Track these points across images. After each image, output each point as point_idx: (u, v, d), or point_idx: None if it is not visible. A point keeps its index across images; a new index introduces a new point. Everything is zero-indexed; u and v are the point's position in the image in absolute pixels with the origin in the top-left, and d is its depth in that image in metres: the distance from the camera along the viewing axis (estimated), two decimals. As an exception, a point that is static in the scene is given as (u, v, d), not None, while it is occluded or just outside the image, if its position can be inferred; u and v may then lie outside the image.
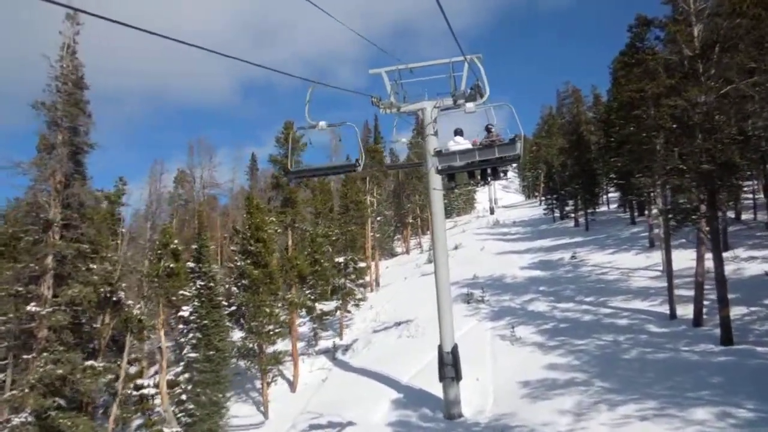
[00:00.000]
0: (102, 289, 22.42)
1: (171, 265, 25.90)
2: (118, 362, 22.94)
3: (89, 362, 20.19)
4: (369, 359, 32.97)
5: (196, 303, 26.84)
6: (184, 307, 27.99)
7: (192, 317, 26.90)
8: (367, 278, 51.70)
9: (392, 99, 22.81)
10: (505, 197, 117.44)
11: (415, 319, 35.65)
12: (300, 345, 41.04)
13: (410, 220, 73.72)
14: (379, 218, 62.51)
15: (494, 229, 70.48)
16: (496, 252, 52.30)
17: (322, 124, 10.66)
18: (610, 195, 64.40)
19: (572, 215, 60.06)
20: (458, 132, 13.16)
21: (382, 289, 52.27)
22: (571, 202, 61.38)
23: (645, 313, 27.18)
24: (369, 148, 60.58)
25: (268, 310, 28.77)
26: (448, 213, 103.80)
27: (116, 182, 26.02)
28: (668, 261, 26.48)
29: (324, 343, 40.17)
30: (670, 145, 26.43)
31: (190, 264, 28.48)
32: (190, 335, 26.58)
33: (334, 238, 41.66)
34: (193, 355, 25.84)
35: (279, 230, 33.13)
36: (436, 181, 22.56)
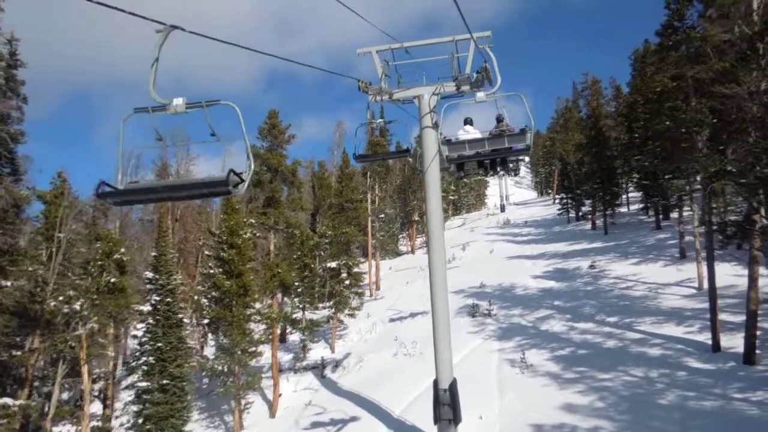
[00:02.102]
0: (34, 307, 18.62)
1: (113, 280, 22.09)
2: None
3: (3, 400, 16.46)
4: (360, 379, 29.26)
5: (150, 321, 23.03)
6: (139, 325, 24.21)
7: (145, 338, 23.09)
8: (366, 281, 48.02)
9: (383, 84, 18.82)
10: (516, 193, 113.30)
11: (413, 334, 31.83)
12: (288, 357, 37.39)
13: (416, 218, 69.66)
14: (381, 216, 58.67)
15: (505, 229, 66.47)
16: (507, 256, 48.27)
17: (178, 102, 5.66)
18: (630, 195, 59.84)
19: (589, 216, 55.76)
20: (468, 121, 13.01)
21: (381, 294, 48.43)
22: (588, 202, 57.12)
23: (681, 341, 23.02)
24: (373, 141, 56.65)
25: (241, 327, 24.90)
26: (458, 209, 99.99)
27: (54, 179, 22.20)
28: (711, 282, 22.30)
29: (315, 355, 36.46)
30: (716, 143, 22.31)
31: (148, 274, 24.68)
32: (143, 359, 22.76)
33: (327, 240, 37.72)
34: (143, 384, 22.03)
35: (258, 234, 29.23)
36: (433, 181, 18.69)
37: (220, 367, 24.81)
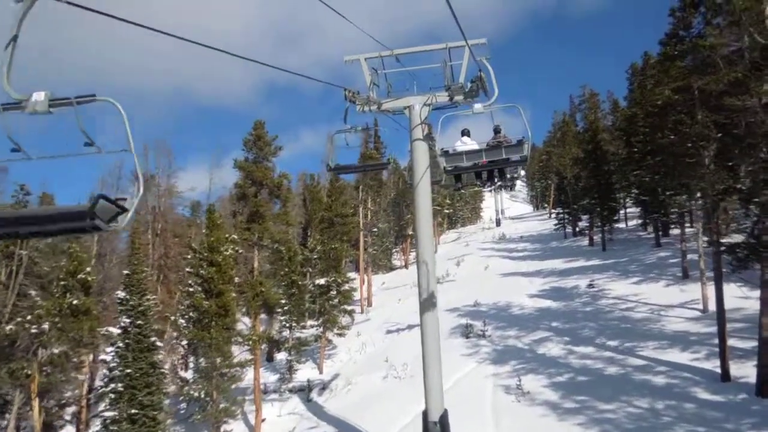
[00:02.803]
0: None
1: (75, 302, 20.55)
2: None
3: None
4: (347, 404, 27.82)
5: (120, 345, 21.49)
6: (108, 349, 22.70)
7: (114, 363, 21.54)
8: (357, 297, 46.71)
9: (372, 93, 17.58)
10: (512, 207, 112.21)
11: (405, 355, 30.42)
12: (274, 378, 35.90)
13: (410, 232, 68.27)
14: (374, 230, 57.40)
15: (500, 244, 65.22)
16: (502, 273, 46.87)
17: (39, 98, 3.97)
18: (628, 210, 58.54)
19: (586, 232, 54.40)
20: (465, 132, 13.13)
21: (373, 311, 46.97)
22: (584, 217, 55.92)
23: (687, 369, 21.61)
24: (366, 154, 55.42)
25: (220, 349, 23.43)
26: (453, 223, 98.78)
27: (16, 192, 20.69)
28: (719, 306, 20.90)
29: (302, 376, 35.03)
30: (724, 159, 21.11)
31: (120, 294, 23.17)
32: (111, 386, 21.19)
33: (316, 256, 36.31)
34: (110, 413, 20.45)
35: (241, 251, 27.76)
36: (424, 196, 17.44)
37: (196, 393, 23.27)
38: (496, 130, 14.07)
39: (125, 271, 24.31)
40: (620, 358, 23.98)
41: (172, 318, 29.45)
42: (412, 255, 69.76)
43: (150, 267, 34.40)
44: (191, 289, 25.39)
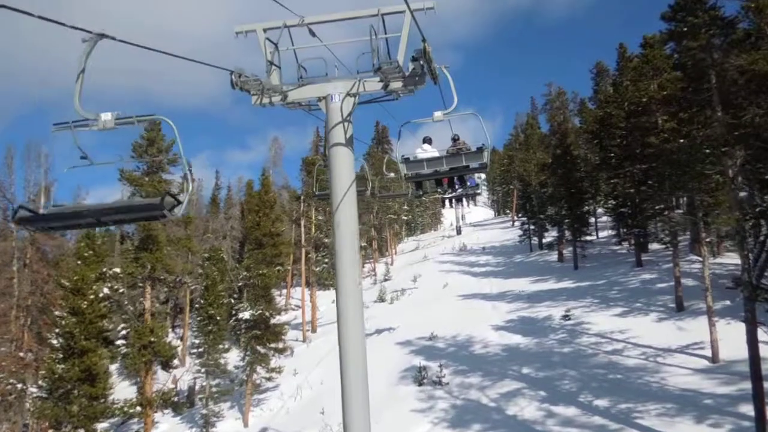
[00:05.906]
0: None
1: None
2: None
3: None
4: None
5: None
6: None
7: None
8: (299, 320, 41.04)
9: (273, 78, 11.45)
10: (473, 211, 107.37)
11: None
12: (188, 433, 29.69)
13: (363, 244, 62.52)
14: (320, 244, 51.47)
15: (461, 257, 60.01)
16: (462, 294, 41.33)
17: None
18: (599, 220, 53.40)
19: (555, 244, 49.15)
20: (427, 140, 12.88)
21: (316, 340, 40.85)
22: (550, 227, 50.94)
23: (709, 453, 16.18)
24: (308, 160, 49.41)
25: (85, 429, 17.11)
26: (412, 230, 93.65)
27: None
28: (755, 364, 15.51)
29: (224, 430, 29.03)
30: (754, 171, 15.86)
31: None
32: None
33: (240, 283, 30.13)
34: None
35: (122, 290, 21.36)
36: (347, 222, 11.54)
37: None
38: (455, 138, 13.18)
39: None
40: (615, 428, 18.36)
41: (18, 386, 22.60)
42: (366, 267, 63.95)
43: (14, 308, 27.47)
44: (54, 342, 18.95)
